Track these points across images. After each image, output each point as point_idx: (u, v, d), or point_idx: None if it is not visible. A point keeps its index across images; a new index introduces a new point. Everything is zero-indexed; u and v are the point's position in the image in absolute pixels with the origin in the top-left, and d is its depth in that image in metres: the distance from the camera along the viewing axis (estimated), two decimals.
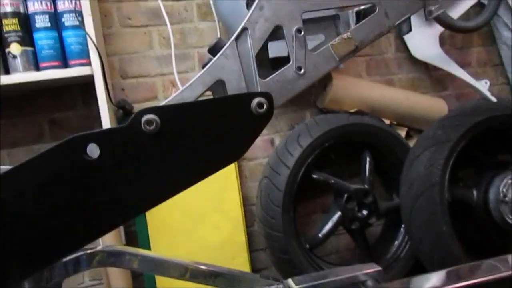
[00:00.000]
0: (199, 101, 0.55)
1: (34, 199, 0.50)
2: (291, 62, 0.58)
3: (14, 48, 1.30)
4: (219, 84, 0.56)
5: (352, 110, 1.61)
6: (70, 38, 1.34)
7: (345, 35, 0.60)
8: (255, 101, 0.53)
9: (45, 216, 0.50)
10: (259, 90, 0.56)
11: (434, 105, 1.74)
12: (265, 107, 0.54)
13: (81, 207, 0.51)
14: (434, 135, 1.42)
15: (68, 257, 0.83)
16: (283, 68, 0.57)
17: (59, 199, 0.50)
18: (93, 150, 0.52)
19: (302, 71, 0.57)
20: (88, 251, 0.85)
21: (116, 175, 0.52)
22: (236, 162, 1.61)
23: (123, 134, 0.52)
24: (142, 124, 0.52)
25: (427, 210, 1.34)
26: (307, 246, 1.56)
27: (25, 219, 0.50)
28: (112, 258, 0.85)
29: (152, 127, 0.52)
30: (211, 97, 0.60)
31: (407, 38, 1.75)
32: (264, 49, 0.61)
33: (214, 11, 1.58)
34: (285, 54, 0.61)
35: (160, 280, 1.48)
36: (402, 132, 1.69)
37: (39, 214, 0.50)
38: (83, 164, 0.51)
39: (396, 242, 1.66)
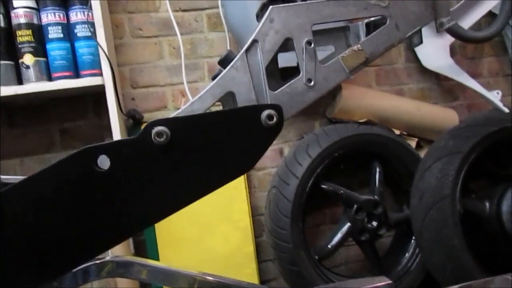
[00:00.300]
0: (209, 113, 0.55)
1: (45, 210, 0.50)
2: (301, 74, 0.58)
3: (28, 59, 1.32)
4: (229, 96, 0.57)
5: (362, 120, 1.60)
6: (82, 48, 1.36)
7: (355, 47, 0.60)
8: (265, 113, 0.53)
9: (56, 227, 0.50)
10: (269, 102, 0.56)
11: (445, 116, 1.72)
12: (275, 119, 0.54)
13: (92, 218, 0.52)
14: (445, 146, 1.40)
15: (78, 267, 0.83)
16: (293, 80, 0.57)
17: (70, 210, 0.51)
18: (104, 162, 0.52)
19: (312, 83, 0.57)
20: (97, 261, 0.85)
21: (126, 186, 0.52)
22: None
23: (134, 145, 0.53)
24: (152, 136, 0.52)
25: (439, 222, 1.32)
26: (316, 257, 1.54)
27: (36, 229, 0.50)
28: (121, 268, 0.85)
29: (162, 139, 0.52)
30: (221, 109, 0.60)
31: (418, 48, 1.74)
32: (274, 60, 0.61)
33: (224, 22, 1.59)
34: (294, 64, 0.61)
35: None
36: (413, 143, 1.68)
37: (51, 224, 0.50)
38: (94, 175, 0.51)
39: (406, 254, 1.64)
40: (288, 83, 0.57)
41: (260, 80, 0.56)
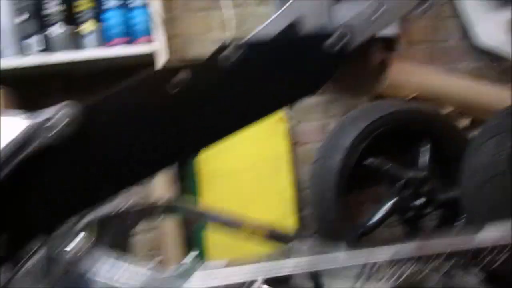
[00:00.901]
0: (277, 38, 0.56)
1: (121, 124, 0.53)
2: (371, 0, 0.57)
3: (87, 26, 1.39)
4: (297, 22, 0.57)
5: (410, 96, 1.56)
6: (137, 17, 1.41)
7: None
8: (332, 38, 0.54)
9: (131, 141, 0.53)
10: (337, 27, 0.56)
11: (499, 96, 1.65)
12: (341, 44, 0.54)
13: (160, 136, 0.54)
14: (501, 124, 1.35)
15: (132, 209, 0.87)
16: (363, 6, 0.57)
17: (143, 125, 0.53)
18: (176, 83, 0.54)
19: (383, 8, 0.56)
20: (146, 206, 0.90)
21: (195, 106, 0.54)
22: (289, 146, 1.61)
23: (202, 68, 0.55)
24: (219, 59, 0.54)
25: (492, 201, 1.27)
26: (359, 232, 1.52)
27: (114, 142, 0.53)
28: (169, 210, 0.88)
29: (229, 63, 0.54)
30: None
31: (473, 25, 1.68)
32: None
33: None
34: None
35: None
36: (464, 122, 1.62)
37: (127, 139, 0.53)
38: (166, 95, 0.53)
39: None
40: (358, 10, 0.57)
41: (328, 5, 0.56)
